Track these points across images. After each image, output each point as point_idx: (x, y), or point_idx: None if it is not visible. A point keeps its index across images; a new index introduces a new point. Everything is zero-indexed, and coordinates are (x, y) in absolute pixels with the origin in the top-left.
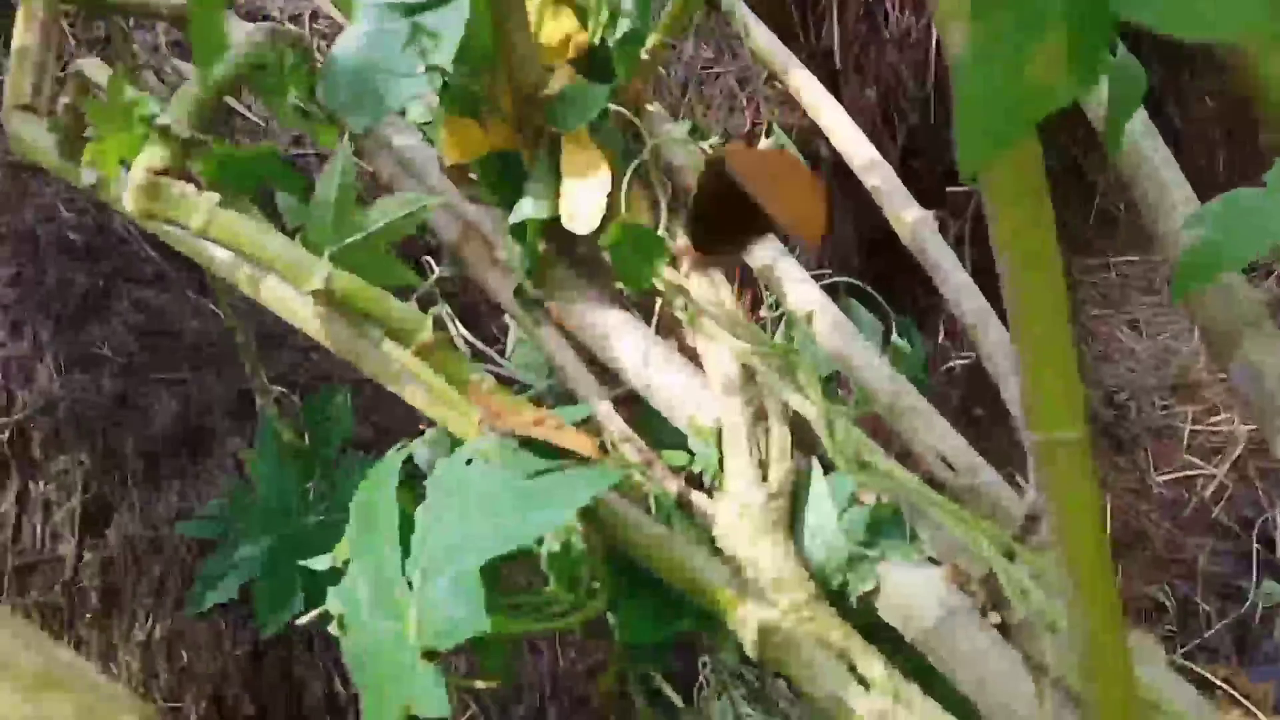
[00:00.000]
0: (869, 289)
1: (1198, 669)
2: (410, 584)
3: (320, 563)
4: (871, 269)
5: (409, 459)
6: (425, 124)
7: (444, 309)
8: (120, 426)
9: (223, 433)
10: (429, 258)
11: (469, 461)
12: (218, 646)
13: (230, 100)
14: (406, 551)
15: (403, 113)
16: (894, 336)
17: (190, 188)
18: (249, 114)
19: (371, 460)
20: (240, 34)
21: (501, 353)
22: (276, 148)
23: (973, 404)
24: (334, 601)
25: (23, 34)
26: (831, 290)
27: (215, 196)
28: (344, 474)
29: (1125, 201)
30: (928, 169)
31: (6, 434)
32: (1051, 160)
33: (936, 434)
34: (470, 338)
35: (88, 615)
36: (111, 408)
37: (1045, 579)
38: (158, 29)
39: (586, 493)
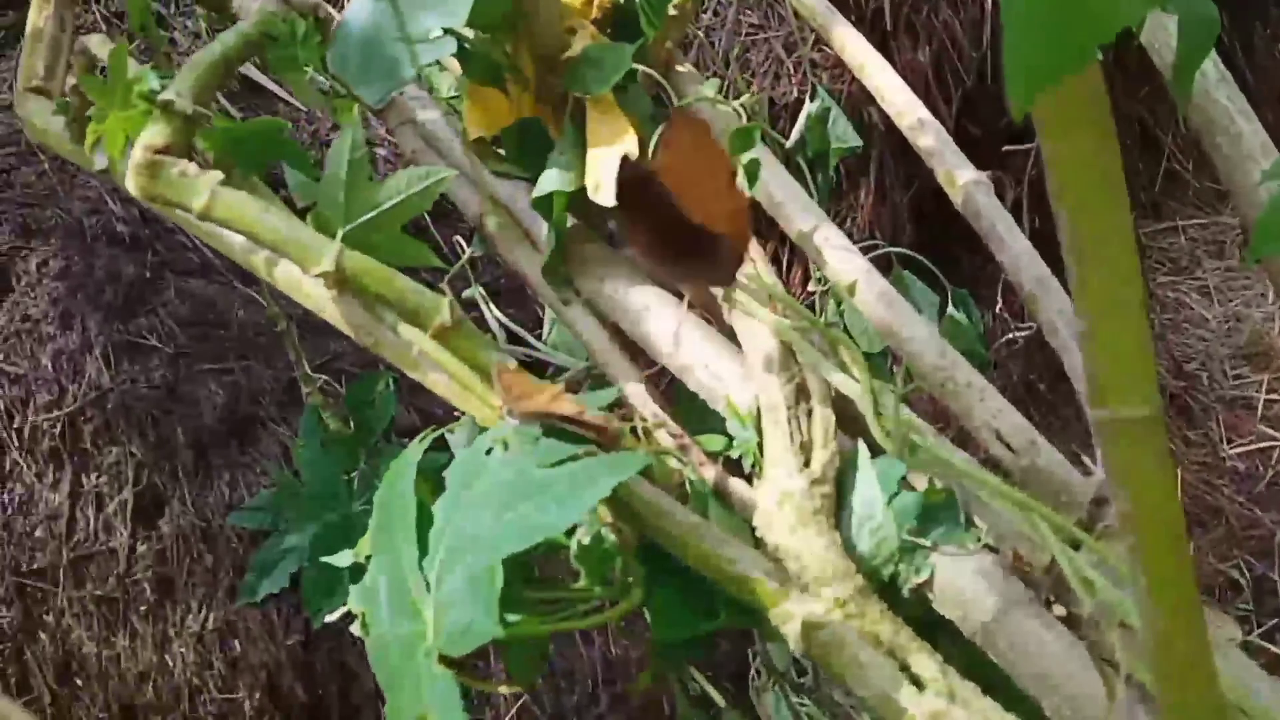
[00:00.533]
0: (922, 259)
1: (1275, 649)
2: (427, 582)
3: (343, 559)
4: (924, 238)
5: (442, 447)
6: (453, 98)
7: (478, 290)
8: (170, 417)
9: (271, 421)
10: (459, 238)
11: (488, 451)
12: (270, 636)
13: (273, 85)
14: (425, 547)
15: (431, 89)
16: (950, 308)
17: (191, 166)
18: (292, 99)
19: None
20: (252, 1)
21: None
22: (283, 122)
23: (1034, 377)
24: (355, 599)
25: (37, 14)
26: (884, 261)
27: (217, 175)
28: (387, 461)
29: (1194, 160)
30: (985, 134)
31: (58, 427)
32: (1113, 116)
33: (992, 411)
34: (504, 320)
35: (142, 608)
36: (161, 398)
37: (1114, 567)
38: (197, 13)
39: (609, 481)
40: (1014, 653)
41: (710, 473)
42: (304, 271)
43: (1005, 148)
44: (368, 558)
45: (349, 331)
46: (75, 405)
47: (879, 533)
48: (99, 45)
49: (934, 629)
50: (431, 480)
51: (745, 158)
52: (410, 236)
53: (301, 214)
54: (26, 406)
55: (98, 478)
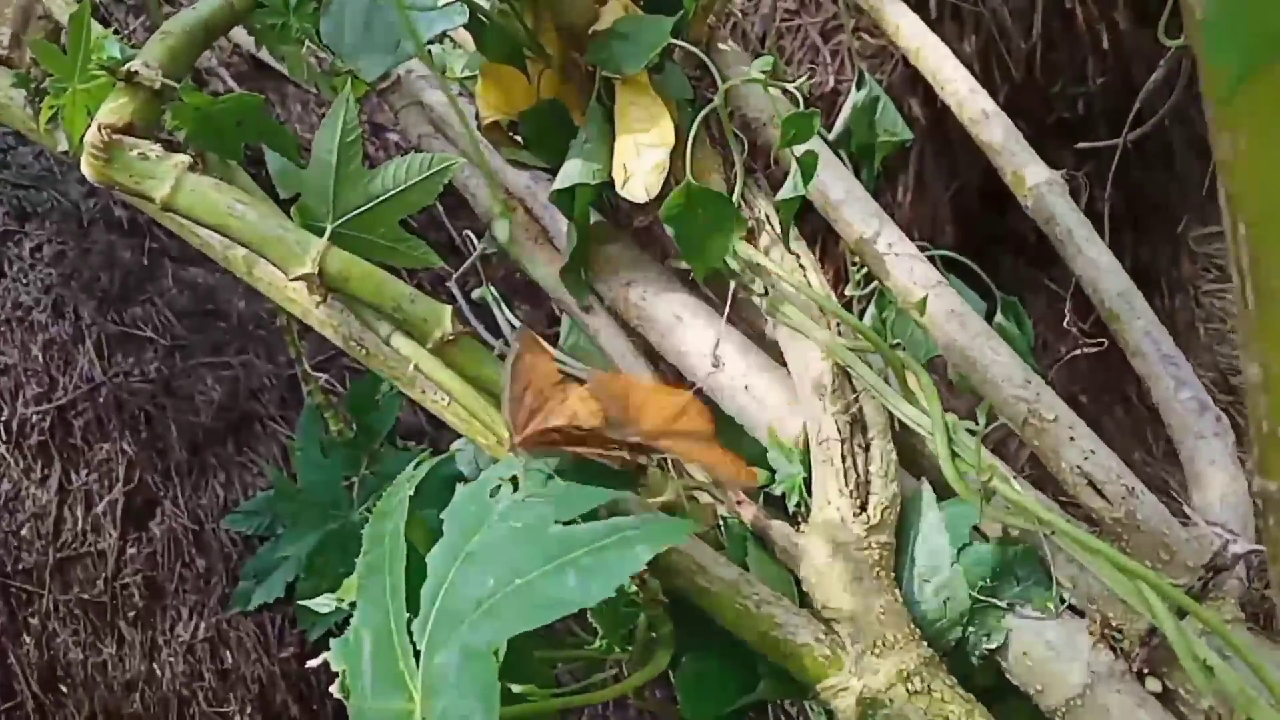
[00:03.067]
0: (969, 263)
1: None
2: (416, 651)
3: (324, 604)
4: (965, 239)
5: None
6: (467, 77)
7: (490, 291)
8: (164, 412)
9: (270, 419)
10: (470, 233)
11: (494, 491)
12: (264, 648)
13: (283, 68)
14: (416, 604)
15: (442, 67)
16: (999, 316)
17: (154, 148)
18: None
19: (421, 452)
20: None
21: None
22: (259, 98)
23: (1077, 389)
24: (336, 654)
25: None
26: None
27: (184, 159)
28: (392, 466)
29: None
30: (1035, 132)
31: (47, 420)
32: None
33: (1083, 451)
34: (518, 322)
35: (131, 613)
36: (155, 393)
37: (1216, 637)
38: None
39: (644, 553)
40: None
41: (749, 513)
42: (283, 273)
43: (1079, 144)
44: (353, 603)
45: (337, 342)
46: (65, 398)
47: (946, 590)
48: (64, 8)
49: (998, 697)
50: (419, 524)
51: (800, 150)
52: (412, 234)
53: (288, 206)
54: (15, 399)
55: (87, 475)
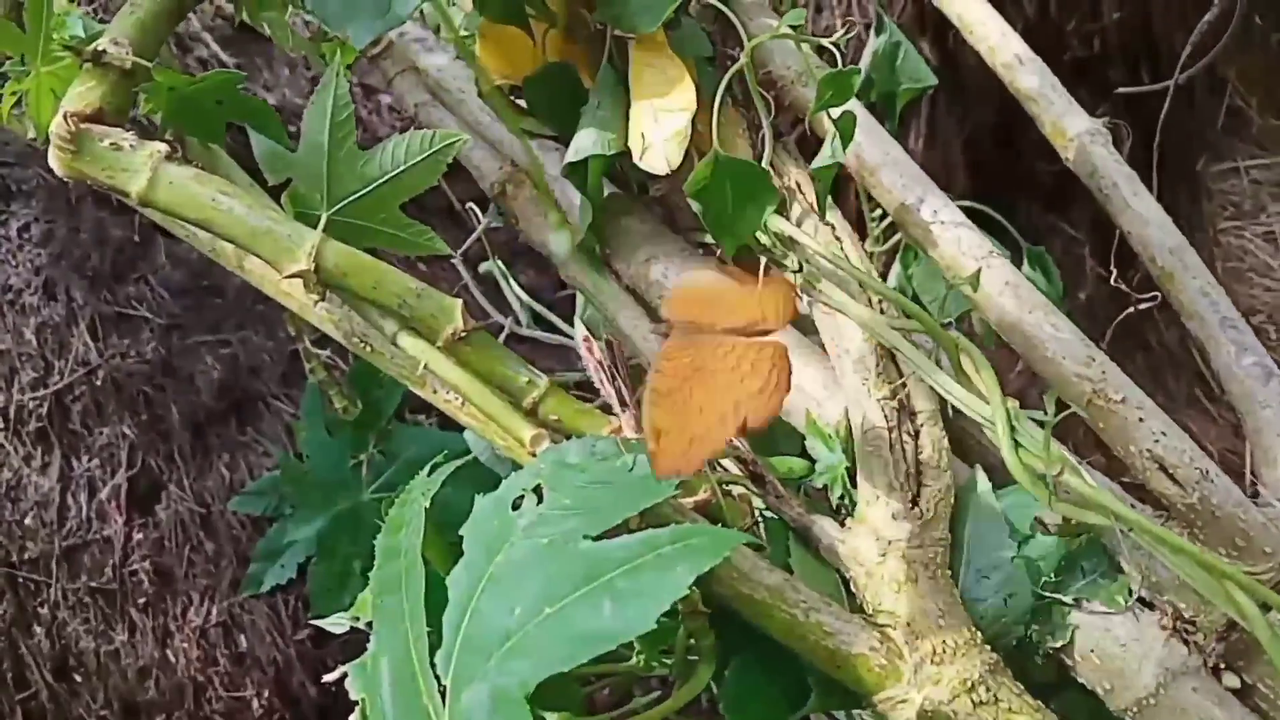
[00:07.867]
0: (992, 213)
1: None
2: (441, 687)
3: (338, 625)
4: (980, 188)
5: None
6: (467, 36)
7: (496, 264)
8: (163, 394)
9: (273, 397)
10: (473, 205)
11: (516, 503)
12: (278, 631)
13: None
14: (437, 623)
15: (437, 29)
16: (1025, 267)
17: (126, 137)
18: None
19: (429, 430)
20: None
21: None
22: (239, 74)
23: (1096, 334)
24: (355, 681)
25: None
26: None
27: (159, 148)
28: (400, 444)
29: (1258, 97)
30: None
31: (45, 406)
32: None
33: (1153, 434)
34: (526, 298)
35: (141, 600)
36: (153, 374)
37: None
38: None
39: (687, 573)
40: None
41: (792, 510)
42: (276, 271)
43: (1119, 89)
44: (368, 622)
45: (339, 339)
46: (62, 382)
47: (1008, 587)
48: None
49: (1059, 691)
50: (436, 534)
51: (836, 113)
52: (411, 219)
53: (278, 192)
54: (10, 385)
55: (89, 461)
